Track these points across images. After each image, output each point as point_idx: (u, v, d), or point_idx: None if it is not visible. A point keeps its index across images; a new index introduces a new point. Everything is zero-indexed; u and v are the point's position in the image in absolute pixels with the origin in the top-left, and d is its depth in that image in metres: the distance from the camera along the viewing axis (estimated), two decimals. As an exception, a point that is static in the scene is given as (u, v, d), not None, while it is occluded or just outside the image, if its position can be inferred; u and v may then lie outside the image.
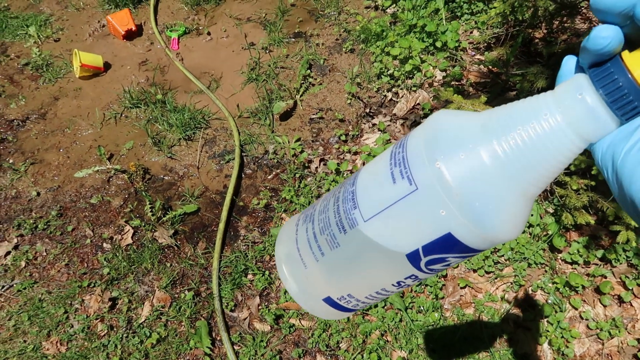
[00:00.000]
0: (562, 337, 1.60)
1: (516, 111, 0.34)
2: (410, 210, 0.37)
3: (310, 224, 0.46)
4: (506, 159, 0.33)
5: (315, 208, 0.47)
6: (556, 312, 1.66)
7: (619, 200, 0.33)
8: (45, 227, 2.04)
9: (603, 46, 0.30)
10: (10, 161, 2.29)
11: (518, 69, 2.01)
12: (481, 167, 0.34)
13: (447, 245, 0.37)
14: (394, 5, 2.73)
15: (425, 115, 2.23)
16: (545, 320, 1.66)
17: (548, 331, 1.62)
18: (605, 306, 1.67)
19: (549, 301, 1.69)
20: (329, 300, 0.46)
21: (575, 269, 1.75)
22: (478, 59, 2.38)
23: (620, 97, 0.30)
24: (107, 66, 2.70)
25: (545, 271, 1.76)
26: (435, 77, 2.35)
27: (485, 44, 2.42)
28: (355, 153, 2.17)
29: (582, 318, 1.66)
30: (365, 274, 0.43)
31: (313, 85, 2.49)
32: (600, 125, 0.32)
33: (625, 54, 0.30)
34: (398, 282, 0.42)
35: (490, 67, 2.21)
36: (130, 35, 2.85)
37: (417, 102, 2.30)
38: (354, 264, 0.43)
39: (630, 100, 0.30)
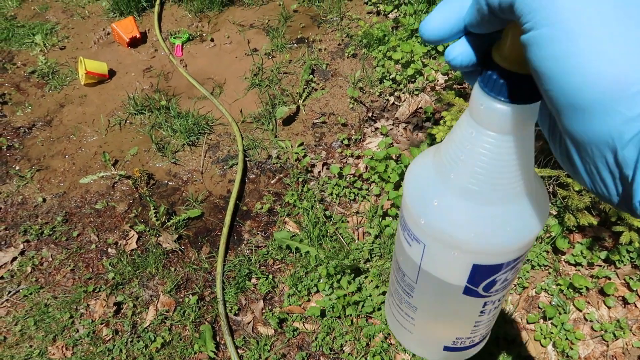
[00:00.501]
0: (567, 338, 1.60)
1: (452, 140, 0.35)
2: (435, 262, 0.40)
3: (392, 297, 0.51)
4: (471, 185, 0.34)
5: (390, 281, 0.51)
6: (560, 313, 1.65)
7: None
8: (51, 232, 2.05)
9: (459, 65, 0.30)
10: (17, 168, 2.31)
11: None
12: (455, 202, 0.35)
13: (483, 272, 0.38)
14: (396, 10, 2.75)
15: (428, 119, 2.24)
16: (549, 322, 1.65)
17: (552, 333, 1.61)
18: (609, 307, 1.66)
19: (553, 303, 1.69)
20: (447, 348, 0.49)
21: (578, 270, 1.75)
22: (480, 62, 2.38)
23: (513, 91, 0.29)
24: (111, 73, 2.73)
25: (549, 273, 1.76)
26: (437, 80, 2.35)
27: (487, 48, 2.43)
28: (358, 157, 2.18)
29: (586, 320, 1.65)
30: (451, 318, 0.46)
31: (316, 90, 2.51)
32: (521, 118, 0.31)
33: (493, 50, 0.30)
34: (481, 312, 0.44)
35: (491, 70, 2.21)
36: (134, 43, 2.88)
37: (420, 105, 2.31)
38: (436, 316, 0.46)
39: (523, 89, 0.29)
